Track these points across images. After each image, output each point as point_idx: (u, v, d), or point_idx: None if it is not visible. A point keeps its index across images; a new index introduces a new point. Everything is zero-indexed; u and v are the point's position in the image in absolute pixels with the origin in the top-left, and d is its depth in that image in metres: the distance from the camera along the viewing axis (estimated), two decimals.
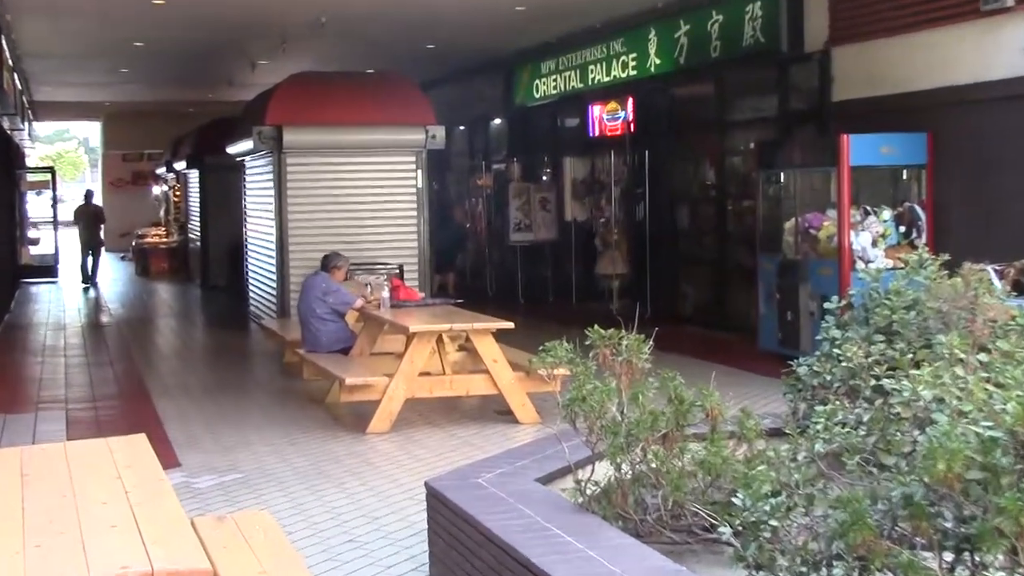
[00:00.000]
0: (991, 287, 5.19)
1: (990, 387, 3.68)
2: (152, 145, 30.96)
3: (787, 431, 4.53)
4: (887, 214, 10.90)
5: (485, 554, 4.23)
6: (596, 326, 4.84)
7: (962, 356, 4.20)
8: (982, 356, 4.30)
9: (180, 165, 23.95)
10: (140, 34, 16.37)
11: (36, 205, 29.18)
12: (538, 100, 18.45)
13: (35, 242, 27.96)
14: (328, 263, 10.61)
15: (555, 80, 17.80)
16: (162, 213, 29.84)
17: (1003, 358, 4.22)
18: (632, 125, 15.86)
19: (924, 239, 10.60)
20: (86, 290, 22.06)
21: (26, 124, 26.66)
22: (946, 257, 5.48)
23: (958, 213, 10.57)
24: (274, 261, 13.91)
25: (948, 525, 3.31)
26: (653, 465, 4.55)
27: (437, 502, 4.87)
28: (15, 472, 4.33)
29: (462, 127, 21.88)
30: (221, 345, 14.52)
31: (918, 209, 10.86)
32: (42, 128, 43.64)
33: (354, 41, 16.79)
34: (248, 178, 16.12)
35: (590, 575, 3.65)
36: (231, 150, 16.26)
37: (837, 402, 4.60)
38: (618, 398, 4.66)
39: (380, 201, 13.82)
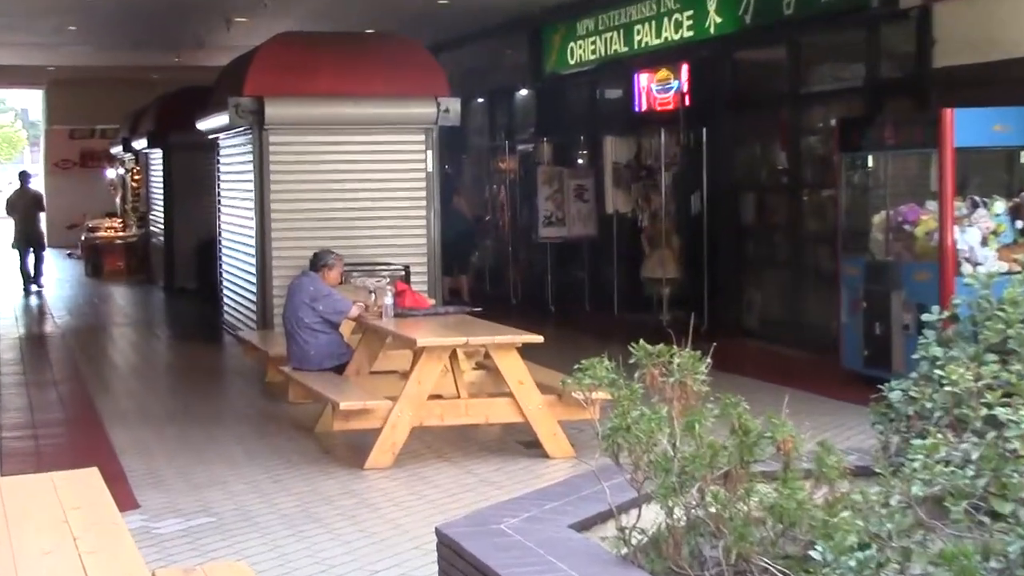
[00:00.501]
0: None
1: None
2: (105, 119, 31.11)
3: (877, 470, 4.51)
4: (1000, 206, 10.83)
5: None
6: (642, 341, 4.83)
7: None
8: None
9: (140, 144, 24.07)
10: None
11: None
12: (573, 67, 18.44)
13: None
14: (319, 262, 10.64)
15: (593, 43, 17.80)
16: (118, 201, 29.97)
17: None
18: (687, 98, 15.84)
19: None
20: (27, 295, 22.08)
21: None
22: None
23: None
24: (254, 260, 13.96)
25: None
26: (712, 510, 4.53)
27: (450, 552, 4.86)
28: None
29: (481, 100, 21.90)
30: (189, 361, 14.56)
31: None
32: None
33: None
34: (223, 160, 16.16)
35: None
36: (202, 126, 16.30)
37: (939, 435, 4.56)
38: (670, 428, 4.65)
39: (382, 188, 13.84)
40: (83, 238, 27.23)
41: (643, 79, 16.76)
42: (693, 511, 4.57)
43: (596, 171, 17.92)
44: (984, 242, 10.74)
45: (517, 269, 19.57)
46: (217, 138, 16.02)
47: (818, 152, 14.28)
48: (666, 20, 15.98)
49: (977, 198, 10.87)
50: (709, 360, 4.80)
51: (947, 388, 4.94)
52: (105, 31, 21.37)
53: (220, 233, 16.39)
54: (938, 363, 5.12)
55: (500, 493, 7.84)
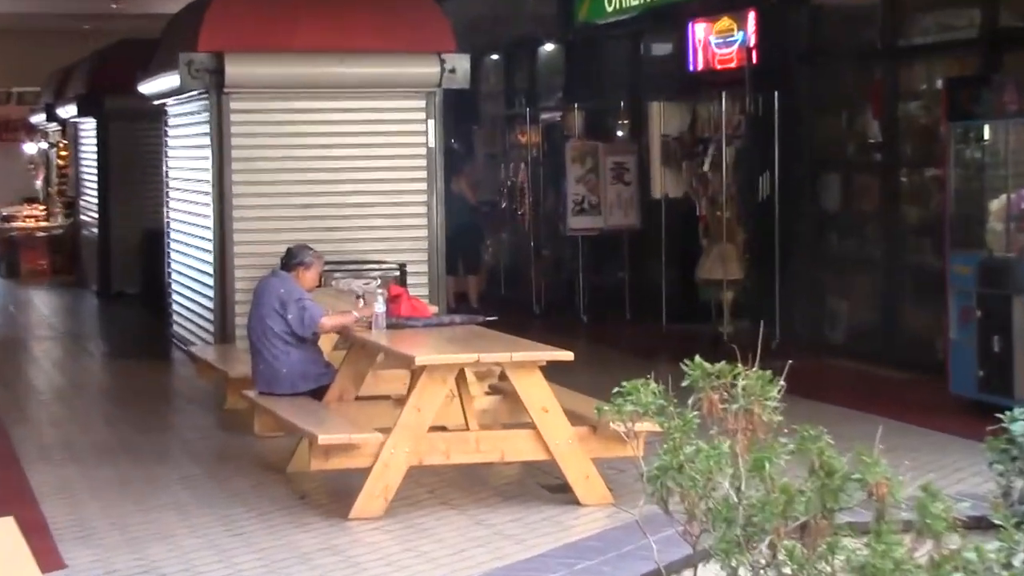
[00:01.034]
0: None
1: None
2: (23, 81, 31.18)
3: (996, 521, 4.50)
4: None
5: None
6: (698, 358, 4.82)
7: None
8: None
9: (67, 111, 24.09)
10: None
11: None
12: (611, 16, 18.43)
13: None
14: (293, 260, 10.62)
15: None
16: (39, 184, 30.04)
17: None
18: (754, 53, 15.83)
19: None
20: None
21: None
22: None
23: None
24: (211, 257, 13.97)
25: None
26: (787, 570, 4.53)
27: None
28: None
29: (495, 57, 21.90)
30: (129, 384, 14.57)
31: None
32: None
33: None
34: (172, 132, 16.18)
35: None
36: (146, 89, 16.32)
37: None
38: (733, 467, 4.65)
39: (373, 168, 13.86)
40: None
41: (699, 30, 16.75)
42: (762, 572, 4.56)
43: (640, 146, 17.91)
44: None
45: (540, 269, 19.56)
46: (165, 104, 16.04)
47: (920, 121, 14.25)
48: None
49: None
50: (782, 382, 4.80)
51: None
52: None
53: (169, 224, 16.41)
54: None
55: (519, 549, 7.81)
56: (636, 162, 17.84)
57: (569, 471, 9.01)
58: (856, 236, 15.20)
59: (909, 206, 14.30)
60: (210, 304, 14.16)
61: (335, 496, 9.23)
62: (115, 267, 21.66)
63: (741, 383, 4.77)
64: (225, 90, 13.62)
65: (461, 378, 9.86)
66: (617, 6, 18.27)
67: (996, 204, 11.73)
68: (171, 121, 16.13)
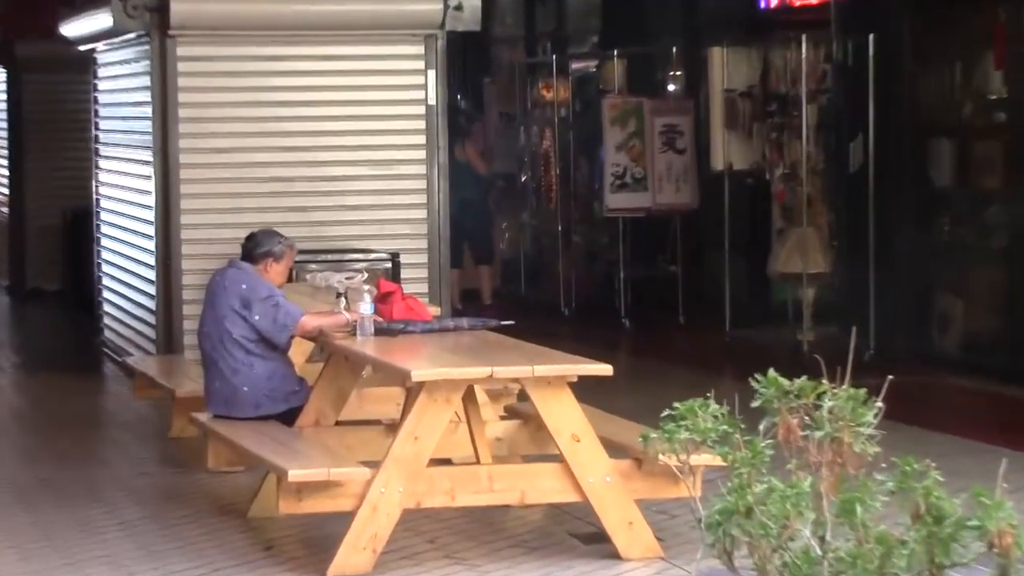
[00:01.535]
0: None
1: None
2: None
3: None
4: None
5: None
6: (772, 372, 4.84)
7: None
8: None
9: None
10: None
11: None
12: None
13: None
14: (257, 250, 10.64)
15: None
16: None
17: None
18: None
19: None
20: None
21: None
22: None
23: None
24: (152, 245, 13.99)
25: None
26: None
27: None
28: None
29: None
30: (49, 405, 14.61)
31: None
32: None
33: None
34: (103, 86, 16.21)
35: None
36: (69, 31, 16.35)
37: None
38: (816, 511, 4.66)
39: (357, 131, 13.87)
40: None
41: None
42: None
43: (697, 104, 17.93)
44: None
45: (570, 259, 19.58)
46: (94, 51, 16.08)
47: None
48: None
49: None
50: (880, 404, 4.81)
51: None
52: None
53: (99, 203, 16.45)
54: None
55: None
56: (691, 125, 17.86)
57: (607, 516, 9.03)
58: (973, 219, 15.19)
59: None
60: (151, 304, 14.18)
61: (310, 547, 9.25)
62: (30, 258, 21.67)
63: (827, 404, 4.79)
64: (170, 32, 13.64)
65: (469, 398, 9.88)
66: None
67: None
68: (102, 72, 16.16)
